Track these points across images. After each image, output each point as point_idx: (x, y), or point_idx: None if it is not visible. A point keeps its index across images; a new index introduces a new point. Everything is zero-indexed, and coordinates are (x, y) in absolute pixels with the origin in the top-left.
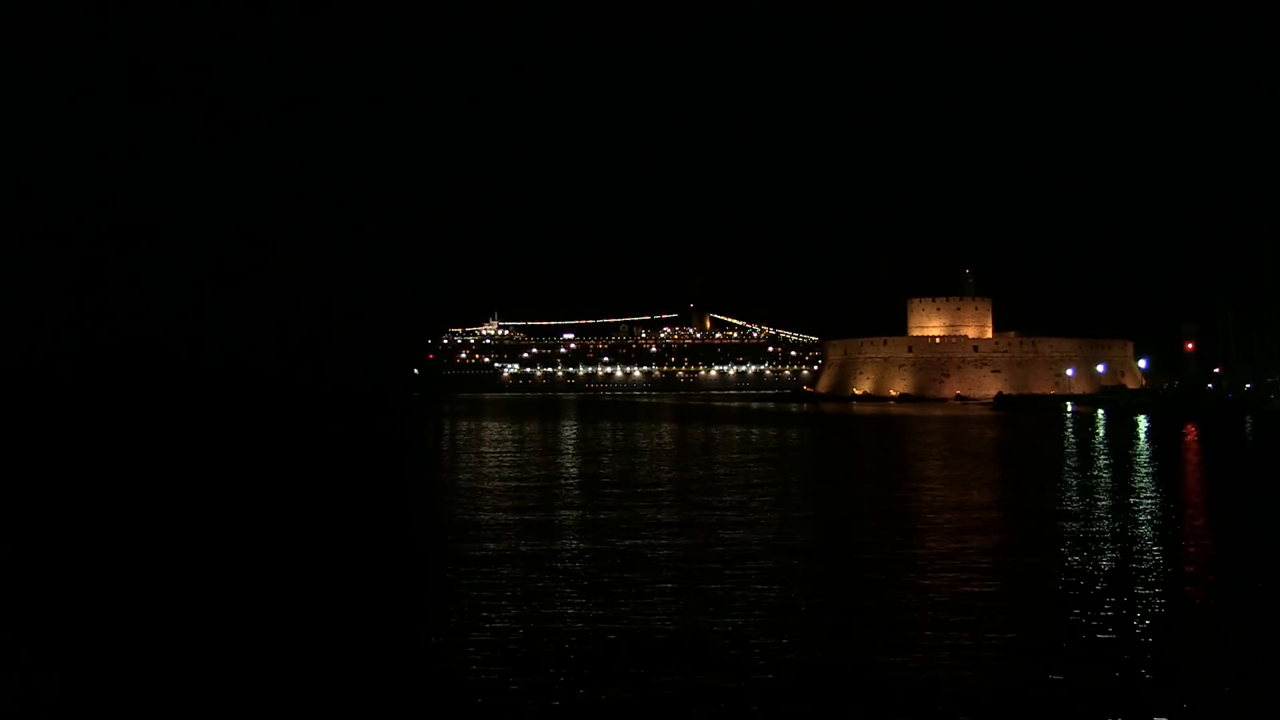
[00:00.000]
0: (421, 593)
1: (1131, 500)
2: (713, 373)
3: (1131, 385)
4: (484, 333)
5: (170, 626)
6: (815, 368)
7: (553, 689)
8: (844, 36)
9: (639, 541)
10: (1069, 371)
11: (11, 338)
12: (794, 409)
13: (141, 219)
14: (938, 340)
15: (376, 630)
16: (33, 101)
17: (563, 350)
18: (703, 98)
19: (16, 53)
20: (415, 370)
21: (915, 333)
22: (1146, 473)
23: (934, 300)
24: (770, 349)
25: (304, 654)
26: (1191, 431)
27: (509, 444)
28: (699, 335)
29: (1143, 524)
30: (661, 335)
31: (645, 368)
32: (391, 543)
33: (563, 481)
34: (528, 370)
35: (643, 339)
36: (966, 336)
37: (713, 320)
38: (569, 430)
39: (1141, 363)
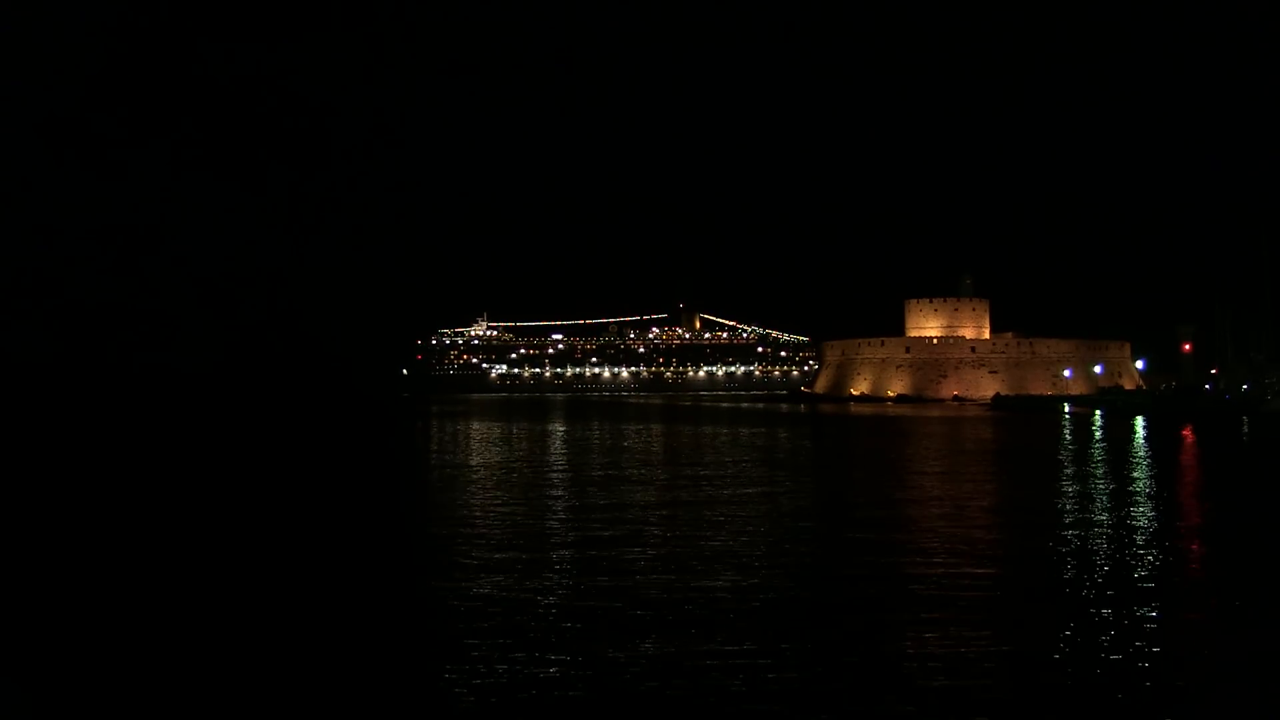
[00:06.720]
0: (413, 593)
1: (1129, 500)
2: (701, 373)
3: (1129, 386)
4: (472, 333)
5: (163, 629)
6: (806, 368)
7: (545, 686)
8: (839, 34)
9: (632, 540)
10: (1066, 372)
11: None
12: (784, 409)
13: (133, 220)
14: (935, 341)
15: (364, 630)
16: (29, 100)
17: (551, 351)
18: (694, 96)
19: (19, 50)
20: (404, 371)
21: (913, 333)
22: (1144, 474)
23: (931, 301)
24: (760, 349)
25: (296, 651)
26: (1189, 432)
27: (498, 443)
28: (688, 336)
29: (1140, 524)
30: (650, 336)
31: (634, 368)
32: (379, 544)
33: (551, 479)
34: (516, 371)
35: (631, 339)
36: (964, 337)
37: (702, 320)
38: (558, 430)
39: (1139, 364)
